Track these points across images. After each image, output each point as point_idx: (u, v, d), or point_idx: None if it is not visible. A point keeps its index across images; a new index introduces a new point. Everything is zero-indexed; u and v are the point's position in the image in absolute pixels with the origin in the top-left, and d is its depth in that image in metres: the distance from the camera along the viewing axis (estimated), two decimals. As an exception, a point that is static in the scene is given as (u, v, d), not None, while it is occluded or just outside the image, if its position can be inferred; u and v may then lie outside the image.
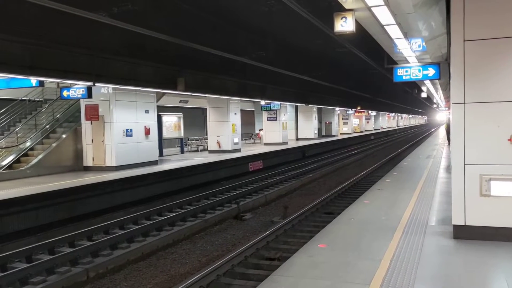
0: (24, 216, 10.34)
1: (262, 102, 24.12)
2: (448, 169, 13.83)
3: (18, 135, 15.73)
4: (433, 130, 60.08)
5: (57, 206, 11.12)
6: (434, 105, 59.07)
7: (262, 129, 29.48)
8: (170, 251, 9.39)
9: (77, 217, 11.47)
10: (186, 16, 11.90)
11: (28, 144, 15.22)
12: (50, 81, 14.60)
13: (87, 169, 15.69)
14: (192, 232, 10.67)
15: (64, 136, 15.71)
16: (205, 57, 13.69)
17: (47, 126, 16.19)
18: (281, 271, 5.32)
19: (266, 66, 15.05)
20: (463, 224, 6.21)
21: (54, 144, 15.23)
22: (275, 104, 26.25)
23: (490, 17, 5.98)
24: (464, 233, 6.22)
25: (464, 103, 6.14)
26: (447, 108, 35.86)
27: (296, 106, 34.32)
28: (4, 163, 14.19)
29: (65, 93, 13.66)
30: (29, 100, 17.51)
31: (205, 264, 8.36)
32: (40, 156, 14.63)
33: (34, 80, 11.83)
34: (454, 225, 6.32)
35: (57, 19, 9.35)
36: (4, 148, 15.00)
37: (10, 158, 14.49)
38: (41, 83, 12.41)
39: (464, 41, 6.10)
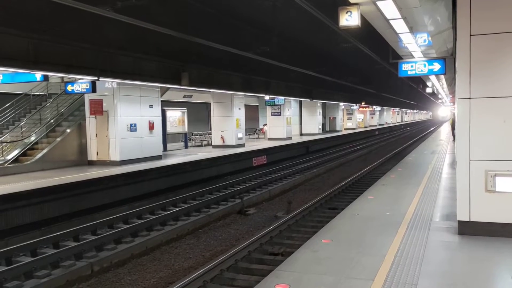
0: (29, 210, 10.39)
1: (266, 97, 24.09)
2: (453, 165, 13.76)
3: (23, 130, 15.79)
4: (433, 128, 59.47)
5: (61, 200, 11.16)
6: (439, 101, 58.78)
7: (266, 124, 29.45)
8: (174, 246, 9.41)
9: (82, 211, 11.51)
10: (190, 11, 11.87)
11: (32, 138, 15.27)
12: (55, 76, 14.64)
13: (91, 163, 15.74)
14: (196, 227, 10.69)
15: (68, 130, 15.75)
16: (209, 52, 13.65)
17: (52, 121, 16.23)
18: (285, 266, 5.32)
19: (271, 61, 15.00)
20: (468, 220, 6.18)
21: (58, 139, 15.28)
22: (279, 99, 26.20)
23: (496, 11, 5.91)
24: (468, 229, 6.19)
25: (470, 98, 6.09)
26: (452, 104, 35.67)
27: (300, 101, 34.24)
28: (9, 157, 14.25)
29: (69, 88, 13.70)
30: (33, 95, 17.54)
31: (209, 258, 8.37)
32: (44, 151, 14.68)
33: (38, 75, 11.86)
34: (458, 221, 6.29)
35: (62, 14, 9.35)
36: (9, 142, 15.06)
37: (15, 152, 14.55)
38: (46, 78, 12.45)
39: (470, 35, 6.04)
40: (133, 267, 8.17)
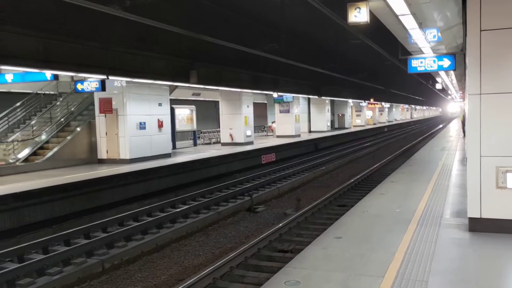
0: (40, 208, 10.49)
1: (275, 95, 24.04)
2: (463, 161, 13.66)
3: (34, 129, 15.93)
4: (442, 125, 58.90)
5: (72, 198, 11.26)
6: (449, 97, 58.31)
7: (274, 122, 29.42)
8: (184, 243, 9.46)
9: (92, 209, 11.60)
10: (198, 9, 11.89)
11: (43, 137, 15.40)
12: (64, 75, 14.74)
13: (101, 162, 15.84)
14: (206, 224, 10.72)
15: (78, 129, 15.87)
16: (217, 50, 13.68)
17: (62, 119, 16.36)
18: (295, 263, 5.32)
19: (279, 58, 14.98)
20: (479, 217, 6.13)
21: (69, 137, 15.39)
22: (288, 96, 26.14)
23: (507, 5, 5.84)
24: (479, 226, 6.14)
25: (480, 94, 6.03)
26: (462, 100, 35.37)
27: (309, 99, 34.14)
28: (20, 156, 14.40)
29: (79, 87, 13.77)
30: (44, 94, 17.69)
31: (219, 256, 8.40)
32: (55, 149, 14.80)
33: (48, 74, 11.94)
34: (469, 218, 6.24)
35: (71, 13, 9.42)
36: (20, 141, 15.21)
37: (26, 151, 14.69)
38: (56, 77, 12.53)
39: (480, 30, 5.98)
40: (144, 264, 8.23)
